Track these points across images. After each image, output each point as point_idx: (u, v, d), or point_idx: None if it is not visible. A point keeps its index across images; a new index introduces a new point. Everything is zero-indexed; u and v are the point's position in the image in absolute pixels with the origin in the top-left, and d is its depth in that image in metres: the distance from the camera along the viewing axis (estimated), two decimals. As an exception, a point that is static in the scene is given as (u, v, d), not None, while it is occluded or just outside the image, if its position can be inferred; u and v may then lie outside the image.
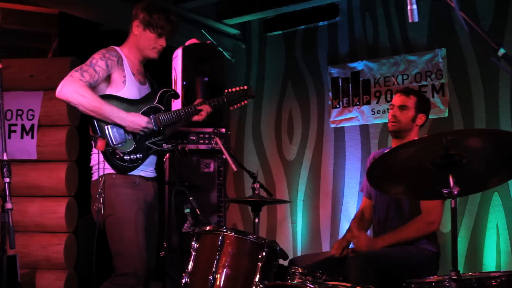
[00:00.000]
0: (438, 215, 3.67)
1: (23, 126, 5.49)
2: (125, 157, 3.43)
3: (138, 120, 3.47)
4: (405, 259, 3.53)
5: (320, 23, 6.41)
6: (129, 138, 3.49)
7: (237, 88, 3.96)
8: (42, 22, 7.11)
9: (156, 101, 3.65)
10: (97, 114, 3.37)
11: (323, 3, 6.16)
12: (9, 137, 5.44)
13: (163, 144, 3.63)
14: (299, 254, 6.31)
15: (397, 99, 3.94)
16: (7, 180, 2.73)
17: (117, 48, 3.62)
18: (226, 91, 3.96)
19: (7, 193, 2.70)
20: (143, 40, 3.63)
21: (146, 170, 3.61)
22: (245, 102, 4.00)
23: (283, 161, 6.61)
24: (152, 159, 3.65)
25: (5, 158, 2.77)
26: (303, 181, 6.42)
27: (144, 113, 3.56)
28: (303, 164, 6.45)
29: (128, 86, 3.55)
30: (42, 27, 7.22)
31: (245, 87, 3.98)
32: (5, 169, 2.75)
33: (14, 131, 5.49)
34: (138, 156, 3.49)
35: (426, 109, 3.97)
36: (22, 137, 5.45)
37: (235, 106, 4.00)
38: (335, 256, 3.73)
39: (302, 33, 6.57)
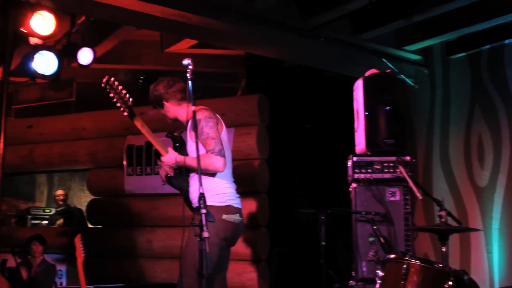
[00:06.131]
0: None
1: (217, 161, 5.88)
2: None
3: None
4: None
5: (507, 41, 6.09)
6: None
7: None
8: (230, 63, 7.65)
9: None
10: None
11: (508, 20, 5.86)
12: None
13: None
14: (496, 286, 5.96)
15: None
16: (204, 211, 2.97)
17: None
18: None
19: (204, 223, 2.94)
20: None
21: None
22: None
23: (475, 187, 6.32)
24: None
25: (201, 191, 3.03)
26: (498, 209, 6.07)
27: None
28: (496, 190, 6.11)
29: None
30: (230, 68, 7.76)
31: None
32: (201, 201, 3.00)
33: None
34: None
35: None
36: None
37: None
38: None
39: (488, 53, 6.29)
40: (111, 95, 3.94)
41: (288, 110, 6.63)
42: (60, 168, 7.90)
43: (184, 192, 4.00)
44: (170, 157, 3.92)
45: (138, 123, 3.96)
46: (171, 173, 4.03)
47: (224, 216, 3.83)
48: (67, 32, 5.54)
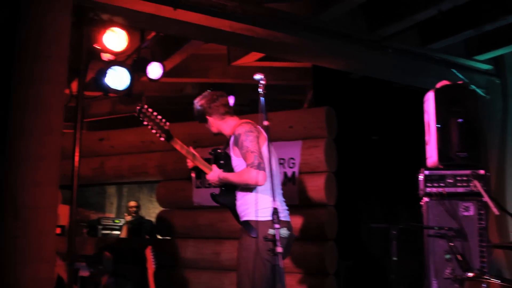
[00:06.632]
0: None
1: (285, 174, 5.88)
2: None
3: None
4: None
5: None
6: None
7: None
8: (297, 76, 7.65)
9: None
10: None
11: None
12: (273, 185, 5.87)
13: None
14: None
15: None
16: (277, 226, 2.99)
17: None
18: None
19: (277, 238, 2.95)
20: None
21: None
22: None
23: (552, 202, 6.08)
24: None
25: (274, 205, 3.04)
26: None
27: None
28: None
29: None
30: (297, 80, 7.76)
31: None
32: (274, 216, 3.02)
33: (277, 179, 5.91)
34: None
35: None
36: (285, 184, 5.82)
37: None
38: None
39: (562, 61, 6.06)
40: (145, 122, 4.04)
41: (356, 122, 6.57)
42: (130, 180, 8.06)
43: (232, 207, 4.01)
44: (213, 175, 3.96)
45: (177, 145, 4.03)
46: (217, 191, 4.05)
47: (271, 231, 3.81)
48: (137, 47, 5.68)
